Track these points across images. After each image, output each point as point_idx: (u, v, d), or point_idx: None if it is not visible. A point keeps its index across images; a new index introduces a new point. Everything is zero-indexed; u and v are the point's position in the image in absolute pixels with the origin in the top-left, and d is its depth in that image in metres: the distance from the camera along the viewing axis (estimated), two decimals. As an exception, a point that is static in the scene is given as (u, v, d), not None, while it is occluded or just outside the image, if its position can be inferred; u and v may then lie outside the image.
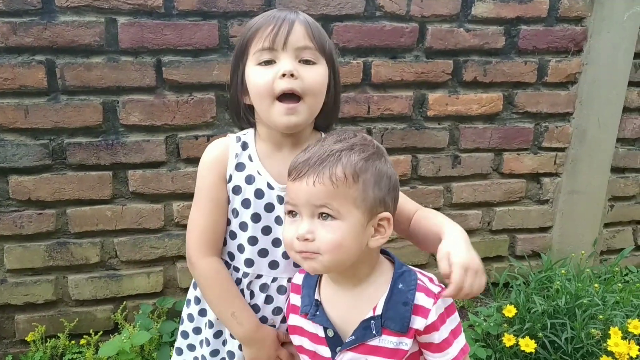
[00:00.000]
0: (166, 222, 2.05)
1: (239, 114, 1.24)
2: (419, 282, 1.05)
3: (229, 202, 1.20)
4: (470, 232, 2.38)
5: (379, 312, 1.03)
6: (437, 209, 2.32)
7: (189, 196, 2.04)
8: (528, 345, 1.75)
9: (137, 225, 2.02)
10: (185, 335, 1.32)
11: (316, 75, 1.12)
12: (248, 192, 1.18)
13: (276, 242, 1.19)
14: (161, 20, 1.88)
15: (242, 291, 1.21)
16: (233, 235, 1.21)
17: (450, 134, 2.25)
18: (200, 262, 1.20)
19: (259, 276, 1.21)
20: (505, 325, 1.93)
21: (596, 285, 2.02)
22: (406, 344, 1.02)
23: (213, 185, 1.20)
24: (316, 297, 1.09)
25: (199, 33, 1.91)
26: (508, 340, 1.80)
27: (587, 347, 1.79)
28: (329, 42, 1.18)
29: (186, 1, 1.88)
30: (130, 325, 1.97)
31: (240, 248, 1.21)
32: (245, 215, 1.18)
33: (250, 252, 1.20)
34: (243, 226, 1.19)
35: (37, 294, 2.00)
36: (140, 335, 1.85)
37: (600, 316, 1.84)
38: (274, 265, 1.20)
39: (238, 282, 1.21)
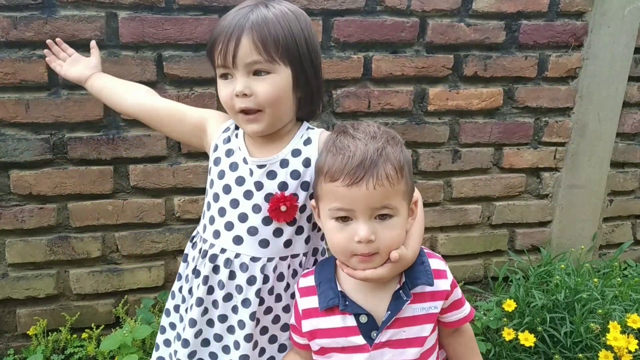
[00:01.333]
0: (167, 217, 2.05)
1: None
2: (423, 249, 1.14)
3: (209, 172, 1.28)
4: (470, 226, 2.39)
5: (403, 279, 1.09)
6: (437, 203, 2.33)
7: (190, 191, 2.04)
8: (527, 339, 1.76)
9: (138, 220, 2.02)
10: (162, 330, 1.38)
11: (269, 87, 1.13)
12: (224, 163, 1.24)
13: (242, 217, 1.21)
14: (162, 14, 1.88)
15: (204, 265, 1.24)
16: (209, 206, 1.27)
17: (450, 129, 2.25)
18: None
19: (223, 250, 1.22)
20: (505, 319, 1.94)
21: (595, 279, 2.03)
22: (436, 307, 1.09)
23: (199, 116, 1.36)
24: (339, 289, 1.10)
25: (199, 28, 1.91)
26: (508, 334, 1.81)
27: (586, 341, 1.80)
28: (291, 35, 1.13)
29: (187, -5, 1.88)
30: (131, 319, 1.98)
31: (212, 219, 1.25)
32: (218, 186, 1.24)
33: (218, 223, 1.23)
34: (215, 197, 1.25)
35: (39, 288, 2.01)
36: (142, 329, 1.86)
37: (600, 310, 1.85)
38: (238, 240, 1.21)
39: (204, 254, 1.24)
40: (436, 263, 1.13)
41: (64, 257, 2.00)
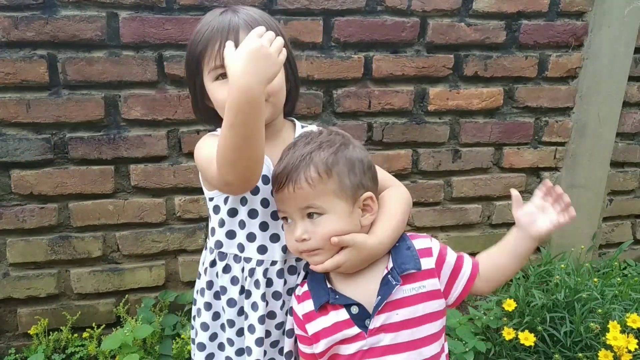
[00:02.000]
0: (168, 216, 2.06)
1: (206, 118, 1.28)
2: (406, 233, 1.18)
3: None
4: (470, 226, 2.40)
5: (390, 265, 1.12)
6: (438, 203, 2.33)
7: (190, 190, 2.04)
8: (527, 338, 1.76)
9: (139, 220, 2.03)
10: (205, 327, 1.30)
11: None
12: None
13: (263, 226, 1.21)
14: (162, 14, 1.88)
15: (256, 281, 1.21)
16: (242, 225, 1.21)
17: (450, 129, 2.25)
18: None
19: (273, 262, 1.21)
20: (505, 319, 1.94)
21: (595, 279, 2.03)
22: (424, 286, 1.12)
23: None
24: (329, 286, 1.14)
25: (200, 27, 1.91)
26: (508, 333, 1.81)
27: (586, 340, 1.81)
28: (278, 31, 1.14)
29: (188, -4, 1.88)
30: (132, 318, 1.98)
31: (251, 237, 1.21)
32: (254, 201, 1.19)
33: (262, 238, 1.21)
34: (252, 213, 1.20)
35: (40, 287, 2.01)
36: (143, 328, 1.86)
37: (599, 310, 1.85)
38: (262, 249, 1.21)
39: (251, 272, 1.21)
40: (420, 242, 1.16)
41: (64, 257, 2.00)
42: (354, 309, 1.10)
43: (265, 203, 1.19)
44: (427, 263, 1.13)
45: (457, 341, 1.86)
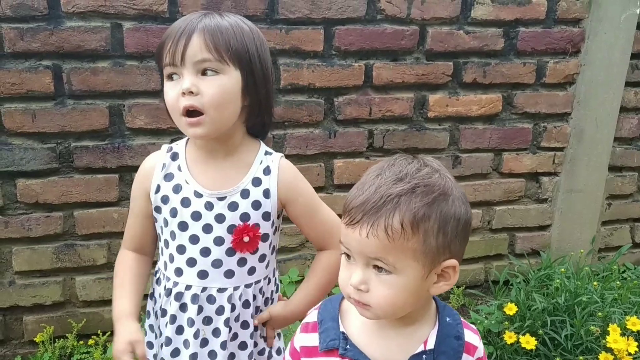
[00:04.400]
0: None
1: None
2: (462, 320, 1.01)
3: (159, 211, 1.21)
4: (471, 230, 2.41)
5: (430, 346, 0.95)
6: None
7: (194, 198, 2.06)
8: (529, 342, 1.79)
9: (143, 227, 2.05)
10: (150, 345, 1.33)
11: (216, 88, 1.10)
12: (175, 201, 1.19)
13: (205, 252, 1.19)
14: (166, 25, 1.90)
15: (170, 303, 1.21)
16: (167, 244, 1.22)
17: (450, 135, 2.28)
18: (121, 251, 1.31)
19: (188, 287, 1.20)
20: (506, 322, 1.96)
21: (595, 283, 2.05)
22: None
23: (136, 198, 1.26)
24: (342, 329, 0.98)
25: (203, 37, 1.94)
26: (509, 337, 1.83)
27: (586, 343, 1.83)
28: (242, 43, 1.12)
29: (190, 6, 1.90)
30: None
31: (171, 257, 1.22)
32: (173, 224, 1.19)
33: (179, 260, 1.20)
34: (172, 235, 1.20)
35: (45, 295, 2.03)
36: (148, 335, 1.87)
37: (599, 313, 1.88)
38: (203, 274, 1.19)
39: (168, 292, 1.22)
40: (470, 336, 1.00)
41: (70, 265, 2.02)
42: None
43: (183, 226, 1.19)
44: None
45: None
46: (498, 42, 2.22)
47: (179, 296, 1.20)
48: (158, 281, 1.28)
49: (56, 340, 2.03)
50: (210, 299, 1.20)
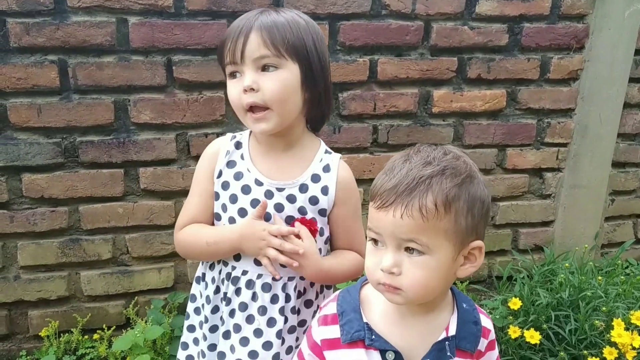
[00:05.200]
0: (177, 219, 2.07)
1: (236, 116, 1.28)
2: (475, 306, 1.05)
3: (217, 197, 1.25)
4: (474, 226, 2.42)
5: (452, 332, 0.98)
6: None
7: (199, 193, 2.07)
8: (533, 336, 1.79)
9: (148, 222, 2.05)
10: (191, 329, 1.36)
11: (276, 83, 1.13)
12: (235, 187, 1.22)
13: None
14: (171, 20, 1.91)
15: (228, 287, 1.24)
16: None
17: (454, 130, 2.28)
18: (179, 233, 1.30)
19: (244, 272, 1.23)
20: (511, 317, 1.97)
21: (599, 278, 2.06)
22: None
23: (203, 177, 1.28)
24: (365, 320, 0.99)
25: (208, 32, 1.94)
26: (513, 332, 1.84)
27: (590, 338, 1.83)
28: (299, 36, 1.15)
29: (196, 1, 1.91)
30: (142, 320, 2.00)
31: None
32: (233, 210, 1.23)
33: None
34: (231, 221, 1.23)
35: (50, 290, 2.04)
36: (153, 329, 1.88)
37: (603, 308, 1.88)
38: (258, 261, 1.21)
39: (228, 276, 1.24)
40: (485, 321, 1.04)
41: (75, 259, 2.03)
42: (390, 355, 0.96)
43: (242, 213, 1.22)
44: (481, 344, 1.02)
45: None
46: (502, 37, 2.22)
47: (235, 280, 1.23)
48: (212, 266, 1.29)
49: (61, 334, 2.04)
50: (265, 287, 1.22)
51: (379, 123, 2.20)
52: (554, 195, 2.48)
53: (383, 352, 0.97)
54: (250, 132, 1.28)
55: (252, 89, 1.12)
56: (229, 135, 1.30)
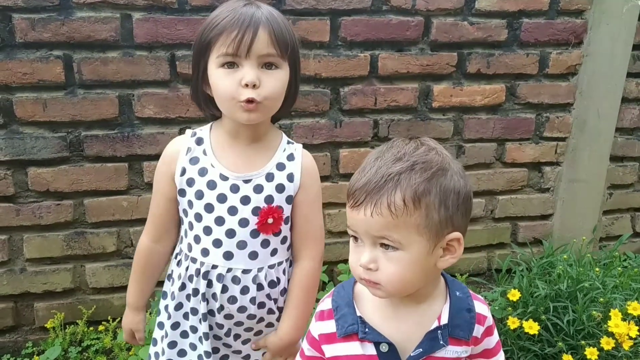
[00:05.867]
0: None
1: (201, 104, 1.28)
2: (470, 292, 1.05)
3: (184, 194, 1.25)
4: (473, 220, 2.45)
5: (444, 321, 0.99)
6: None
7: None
8: (532, 327, 1.82)
9: (152, 215, 2.08)
10: (161, 325, 1.38)
11: (276, 82, 1.16)
12: (200, 183, 1.23)
13: (230, 233, 1.22)
14: (175, 15, 1.93)
15: (200, 283, 1.25)
16: (191, 226, 1.26)
17: (454, 125, 2.31)
18: (141, 238, 1.35)
19: (214, 266, 1.24)
20: (510, 308, 2.00)
21: (597, 269, 2.09)
22: (466, 351, 1.01)
23: (162, 180, 1.29)
24: (358, 314, 1.01)
25: (211, 28, 1.96)
26: (512, 323, 1.87)
27: (588, 328, 1.86)
28: (292, 37, 1.18)
29: (199, -3, 1.93)
30: (146, 311, 2.02)
31: (197, 238, 1.25)
32: (199, 205, 1.23)
33: (205, 241, 1.24)
34: (197, 217, 1.24)
35: (56, 282, 2.06)
36: (158, 321, 1.91)
37: (601, 299, 1.91)
38: (228, 255, 1.23)
39: (197, 272, 1.25)
40: (480, 307, 1.04)
41: (80, 252, 2.06)
42: (384, 347, 0.97)
43: (209, 208, 1.23)
44: (476, 330, 1.02)
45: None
46: (502, 33, 2.25)
47: (205, 275, 1.24)
48: (179, 263, 1.30)
49: (66, 326, 2.07)
50: (235, 280, 1.24)
51: (380, 117, 2.22)
52: (552, 189, 2.51)
53: (377, 344, 0.98)
54: (211, 127, 1.29)
55: (255, 85, 1.13)
56: (189, 131, 1.29)
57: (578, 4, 2.28)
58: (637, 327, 1.71)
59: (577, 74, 2.38)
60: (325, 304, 1.06)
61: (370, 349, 0.98)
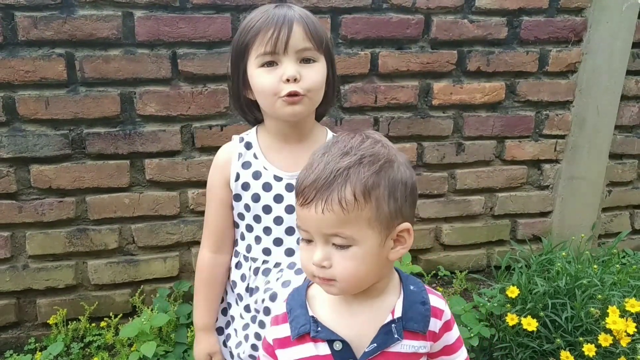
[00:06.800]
0: (182, 209, 2.12)
1: (243, 108, 1.32)
2: (425, 286, 1.04)
3: (239, 199, 1.28)
4: (473, 217, 2.46)
5: (398, 314, 0.97)
6: (442, 195, 2.40)
7: (203, 184, 2.06)
8: (530, 324, 1.83)
9: (153, 212, 2.09)
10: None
11: (316, 74, 1.20)
12: (256, 187, 1.27)
13: (289, 231, 1.27)
14: (176, 13, 1.94)
15: (258, 280, 1.29)
16: (250, 229, 1.30)
17: (454, 122, 2.32)
18: (201, 252, 1.37)
19: (277, 264, 1.28)
20: (508, 305, 2.00)
21: (595, 266, 2.10)
22: (424, 347, 0.99)
23: (217, 187, 1.32)
24: (311, 314, 0.99)
25: (212, 26, 1.97)
26: (511, 319, 1.87)
27: (586, 325, 1.87)
28: (325, 33, 1.23)
29: (200, -5, 1.94)
30: (148, 308, 2.04)
31: (257, 239, 1.29)
32: (257, 208, 1.27)
33: (266, 241, 1.28)
34: (256, 218, 1.28)
35: (58, 278, 2.08)
36: (159, 317, 1.92)
37: (599, 296, 1.92)
38: (290, 252, 1.28)
39: (255, 271, 1.29)
40: (435, 300, 1.03)
41: (82, 249, 2.07)
42: (337, 345, 0.96)
43: (267, 210, 1.27)
44: (433, 325, 1.01)
45: (462, 327, 1.93)
46: (502, 31, 2.25)
47: (266, 272, 1.28)
48: (238, 265, 1.33)
49: (69, 322, 2.08)
50: (298, 272, 1.27)
51: (380, 115, 2.23)
52: (552, 186, 2.52)
53: (330, 343, 0.96)
54: (257, 131, 1.32)
55: (296, 79, 1.16)
56: (236, 137, 1.33)
57: (578, 2, 2.29)
58: (634, 324, 1.72)
59: (576, 71, 2.38)
60: (280, 308, 1.05)
61: (324, 349, 0.97)
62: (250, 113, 1.32)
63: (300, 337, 0.98)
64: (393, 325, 0.97)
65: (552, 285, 2.01)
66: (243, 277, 1.32)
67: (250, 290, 1.31)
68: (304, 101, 1.19)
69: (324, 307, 1.00)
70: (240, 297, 1.34)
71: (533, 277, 2.10)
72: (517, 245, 2.52)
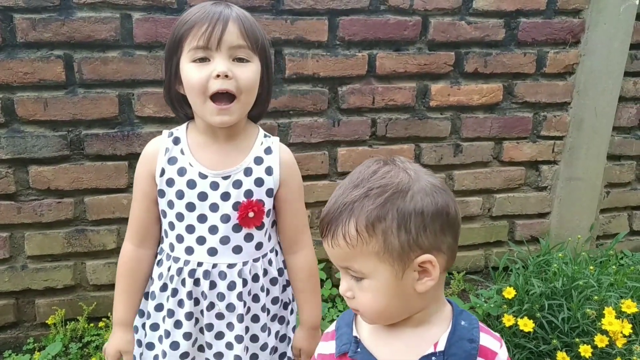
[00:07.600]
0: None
1: (174, 103, 1.29)
2: (480, 323, 0.98)
3: (163, 195, 1.25)
4: (471, 218, 2.47)
5: (440, 348, 0.93)
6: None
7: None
8: (527, 325, 1.83)
9: (151, 213, 2.10)
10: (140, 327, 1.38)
11: (249, 74, 1.17)
12: (180, 183, 1.23)
13: (212, 229, 1.24)
14: (174, 15, 1.95)
15: (183, 280, 1.26)
16: (172, 226, 1.27)
17: (452, 124, 2.33)
18: (124, 244, 1.35)
19: (199, 264, 1.25)
20: (505, 306, 2.01)
21: (591, 267, 2.10)
22: None
23: (142, 179, 1.29)
24: (354, 334, 0.99)
25: (210, 27, 1.98)
26: (508, 320, 1.88)
27: (582, 326, 1.88)
28: (263, 36, 1.21)
29: (198, -3, 1.95)
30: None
31: (179, 238, 1.26)
32: (180, 205, 1.24)
33: (189, 240, 1.25)
34: (179, 216, 1.25)
35: (57, 279, 2.09)
36: (157, 317, 1.93)
37: (596, 297, 1.92)
38: (212, 251, 1.25)
39: (179, 271, 1.26)
40: (488, 341, 0.96)
41: (81, 250, 2.08)
42: None
43: (190, 207, 1.24)
44: None
45: (459, 328, 1.93)
46: (499, 32, 2.26)
47: (192, 273, 1.25)
48: (159, 263, 1.31)
49: (67, 322, 2.10)
50: (221, 275, 1.26)
51: (378, 116, 2.24)
52: (549, 187, 2.52)
53: None
54: (187, 126, 1.29)
55: (227, 76, 1.13)
56: (166, 132, 1.29)
57: (575, 4, 2.30)
58: (630, 325, 1.73)
59: (574, 73, 2.39)
60: (332, 326, 1.05)
61: None
62: (181, 109, 1.29)
63: (341, 355, 0.98)
64: (433, 358, 0.93)
65: (548, 286, 2.02)
66: (160, 276, 1.29)
67: (172, 291, 1.28)
68: (233, 109, 1.17)
69: (368, 328, 0.99)
70: (153, 296, 1.31)
71: (530, 278, 2.11)
72: (515, 247, 2.52)
